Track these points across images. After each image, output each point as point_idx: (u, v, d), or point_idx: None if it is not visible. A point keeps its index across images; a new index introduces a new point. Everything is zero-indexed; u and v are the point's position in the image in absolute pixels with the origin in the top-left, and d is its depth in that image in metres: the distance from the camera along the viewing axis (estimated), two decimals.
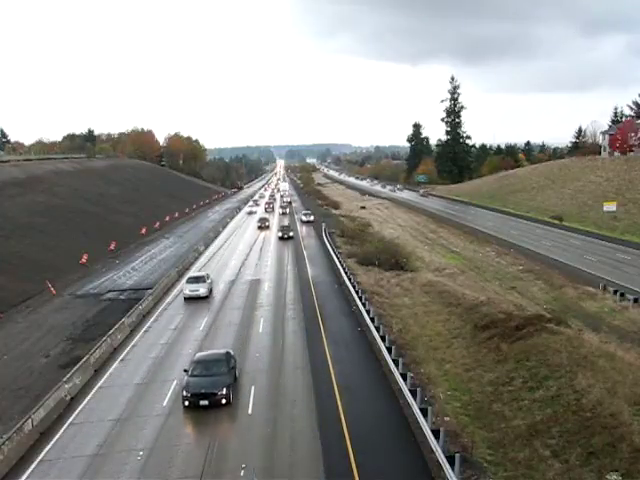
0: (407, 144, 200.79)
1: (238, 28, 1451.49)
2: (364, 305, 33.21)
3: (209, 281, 40.45)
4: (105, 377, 25.60)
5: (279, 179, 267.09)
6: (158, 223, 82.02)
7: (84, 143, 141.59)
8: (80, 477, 17.39)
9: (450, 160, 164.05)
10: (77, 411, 22.03)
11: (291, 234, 67.46)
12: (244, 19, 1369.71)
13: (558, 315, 32.56)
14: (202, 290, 38.75)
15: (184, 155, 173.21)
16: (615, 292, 42.61)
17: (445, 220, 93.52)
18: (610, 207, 72.86)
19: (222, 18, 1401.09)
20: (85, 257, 54.13)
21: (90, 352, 26.64)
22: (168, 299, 40.11)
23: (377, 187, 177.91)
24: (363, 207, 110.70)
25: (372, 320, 29.92)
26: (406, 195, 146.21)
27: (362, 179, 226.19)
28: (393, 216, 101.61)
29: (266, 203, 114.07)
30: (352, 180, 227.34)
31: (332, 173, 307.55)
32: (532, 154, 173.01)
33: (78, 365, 24.94)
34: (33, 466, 18.09)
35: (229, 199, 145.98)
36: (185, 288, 39.47)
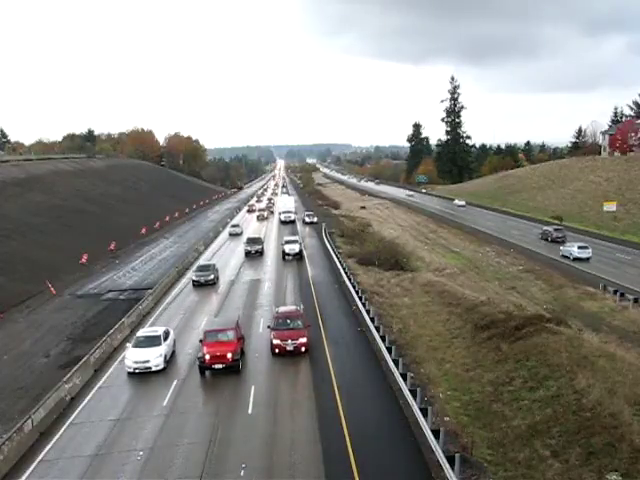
0: (407, 144, 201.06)
1: (239, 27, 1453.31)
2: (364, 305, 33.21)
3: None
4: (105, 377, 25.58)
5: (277, 184, 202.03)
6: (158, 223, 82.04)
7: (84, 143, 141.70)
8: (80, 477, 17.39)
9: (450, 160, 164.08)
10: (77, 411, 22.02)
11: None
12: (245, 18, 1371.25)
13: (558, 315, 32.53)
14: None
15: (184, 155, 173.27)
16: (615, 292, 42.60)
17: (445, 220, 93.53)
18: (610, 207, 72.85)
19: (223, 17, 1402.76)
20: (85, 257, 54.13)
21: (90, 352, 26.64)
22: (168, 299, 40.09)
23: (353, 180, 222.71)
24: (363, 207, 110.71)
25: (372, 320, 29.94)
26: (369, 184, 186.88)
27: (344, 175, 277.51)
28: (393, 216, 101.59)
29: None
30: (339, 176, 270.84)
31: (327, 171, 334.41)
32: (532, 154, 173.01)
33: (78, 365, 24.93)
34: (33, 466, 18.09)
35: (229, 199, 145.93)
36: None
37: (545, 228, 69.25)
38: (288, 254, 51.31)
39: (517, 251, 63.44)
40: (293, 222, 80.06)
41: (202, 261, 52.88)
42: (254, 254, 54.11)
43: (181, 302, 39.22)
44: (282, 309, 29.21)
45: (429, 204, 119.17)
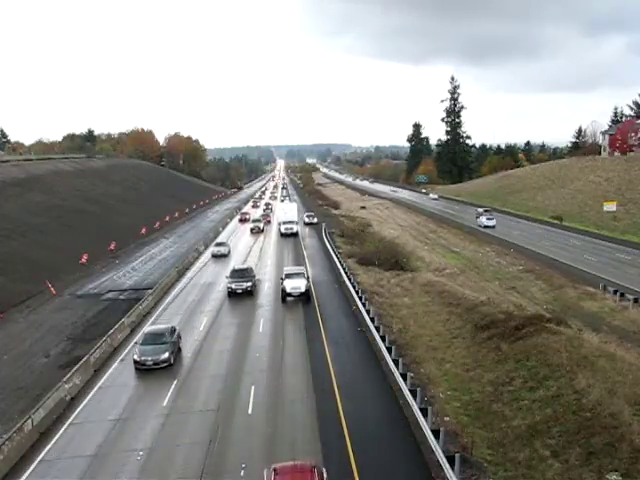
0: (407, 144, 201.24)
1: (239, 27, 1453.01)
2: (364, 305, 33.22)
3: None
4: (105, 377, 25.57)
5: (276, 186, 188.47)
6: (158, 223, 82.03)
7: (84, 143, 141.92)
8: (80, 477, 17.39)
9: (450, 160, 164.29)
10: (77, 411, 22.02)
11: None
12: (246, 18, 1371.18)
13: (558, 315, 32.55)
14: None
15: (184, 155, 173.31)
16: (615, 292, 42.63)
17: (445, 220, 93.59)
18: (610, 207, 72.97)
19: (223, 17, 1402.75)
20: (85, 257, 54.11)
21: (90, 352, 26.65)
22: (168, 299, 40.08)
23: (349, 179, 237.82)
24: (363, 207, 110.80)
25: (372, 320, 29.94)
26: (364, 183, 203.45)
27: (342, 174, 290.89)
28: (393, 216, 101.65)
29: None
30: (338, 175, 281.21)
31: (326, 171, 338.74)
32: (532, 154, 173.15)
33: (78, 365, 24.93)
34: (33, 466, 18.09)
35: (229, 199, 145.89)
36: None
37: (478, 210, 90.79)
38: (290, 294, 36.29)
39: (517, 251, 63.55)
40: (296, 235, 67.45)
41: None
42: (241, 294, 38.59)
43: (181, 302, 39.01)
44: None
45: (407, 197, 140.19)
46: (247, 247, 63.22)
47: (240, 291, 38.63)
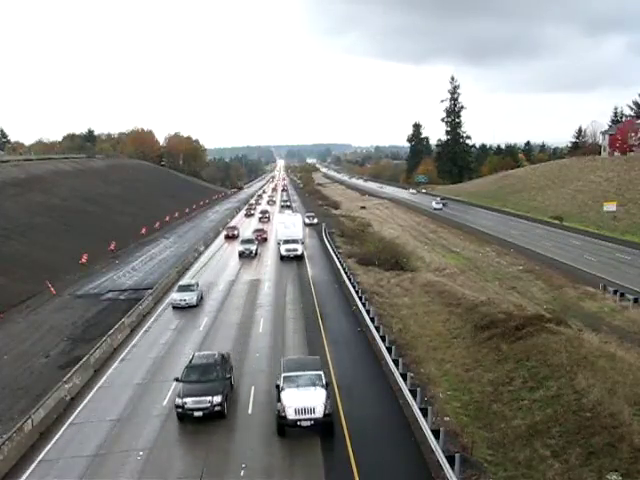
0: (407, 144, 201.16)
1: (240, 27, 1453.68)
2: (364, 305, 33.22)
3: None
4: (105, 377, 25.57)
5: (275, 189, 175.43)
6: (158, 223, 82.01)
7: (84, 143, 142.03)
8: (80, 477, 17.37)
9: (450, 160, 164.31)
10: (77, 411, 22.01)
11: None
12: (247, 17, 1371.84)
13: (558, 315, 32.57)
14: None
15: (184, 155, 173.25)
16: (615, 292, 42.62)
17: (445, 220, 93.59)
18: (610, 207, 72.91)
19: (225, 17, 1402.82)
20: (85, 257, 54.08)
21: (90, 352, 26.64)
22: (168, 299, 40.01)
23: (345, 177, 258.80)
24: (363, 207, 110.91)
25: (372, 320, 29.93)
26: (359, 181, 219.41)
27: (339, 173, 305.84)
28: (393, 216, 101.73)
29: None
30: (337, 175, 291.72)
31: (326, 171, 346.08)
32: (532, 154, 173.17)
33: (78, 365, 24.92)
34: (33, 466, 18.08)
35: (229, 199, 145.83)
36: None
37: (436, 198, 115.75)
38: (296, 424, 18.64)
39: (517, 251, 63.56)
40: (301, 258, 52.04)
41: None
42: (201, 417, 20.28)
43: None
44: None
45: (390, 191, 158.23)
46: (229, 283, 43.88)
47: (200, 414, 20.20)
